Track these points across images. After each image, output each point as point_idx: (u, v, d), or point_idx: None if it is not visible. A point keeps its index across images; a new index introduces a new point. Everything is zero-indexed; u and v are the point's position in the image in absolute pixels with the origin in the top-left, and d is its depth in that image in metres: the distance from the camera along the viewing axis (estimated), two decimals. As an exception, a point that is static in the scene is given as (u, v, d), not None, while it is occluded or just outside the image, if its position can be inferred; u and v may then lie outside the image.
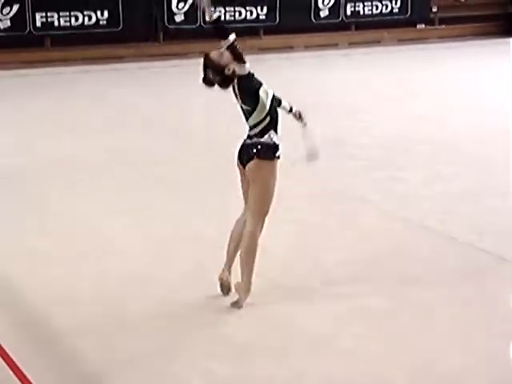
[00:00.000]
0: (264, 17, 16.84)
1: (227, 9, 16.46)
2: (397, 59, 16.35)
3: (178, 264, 6.18)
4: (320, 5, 17.18)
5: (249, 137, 5.45)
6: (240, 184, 5.60)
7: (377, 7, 17.89)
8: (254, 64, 15.80)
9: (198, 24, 16.04)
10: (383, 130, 10.56)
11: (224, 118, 10.31)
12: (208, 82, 5.37)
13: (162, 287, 5.78)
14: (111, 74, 14.88)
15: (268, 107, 5.36)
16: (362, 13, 17.78)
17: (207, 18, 5.36)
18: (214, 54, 5.32)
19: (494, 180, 8.41)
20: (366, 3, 17.73)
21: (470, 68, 15.33)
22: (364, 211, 7.59)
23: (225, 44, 5.28)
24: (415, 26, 18.66)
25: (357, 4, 17.60)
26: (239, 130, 5.77)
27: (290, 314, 5.36)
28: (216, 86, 5.40)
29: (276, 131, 5.42)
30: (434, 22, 18.73)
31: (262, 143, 5.39)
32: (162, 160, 9.16)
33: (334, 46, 17.25)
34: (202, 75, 5.36)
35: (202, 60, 5.39)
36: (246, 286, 5.45)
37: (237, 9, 16.62)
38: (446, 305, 5.54)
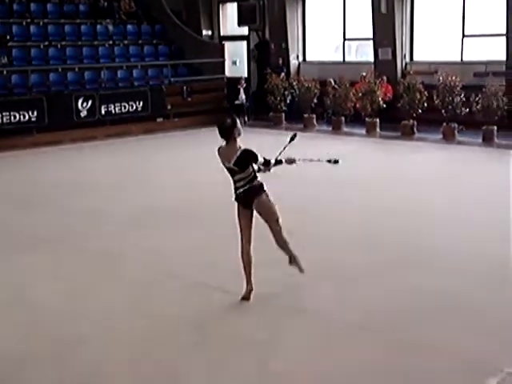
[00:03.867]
0: (35, 119, 16.71)
1: (4, 113, 16.20)
2: (143, 146, 16.82)
3: None
4: (80, 107, 17.34)
5: (238, 188, 6.36)
6: (238, 222, 6.47)
7: (125, 107, 18.25)
8: (29, 157, 15.63)
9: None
10: (135, 200, 10.88)
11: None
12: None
13: None
14: None
15: (252, 169, 6.35)
16: (113, 112, 18.06)
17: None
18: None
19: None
20: (116, 104, 18.04)
21: (197, 149, 16.05)
22: (126, 265, 7.88)
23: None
24: (156, 120, 19.07)
25: (109, 105, 17.90)
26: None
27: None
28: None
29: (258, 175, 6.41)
30: (170, 116, 19.28)
31: (255, 186, 6.34)
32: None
33: (94, 138, 17.40)
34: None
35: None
36: (292, 255, 6.57)
37: (12, 113, 16.36)
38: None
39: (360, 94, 17.43)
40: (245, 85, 20.21)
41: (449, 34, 18.33)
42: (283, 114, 19.27)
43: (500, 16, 16.85)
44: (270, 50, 21.40)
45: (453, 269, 7.40)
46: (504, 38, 16.86)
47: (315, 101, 18.62)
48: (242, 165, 6.31)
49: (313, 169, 12.96)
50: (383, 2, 18.45)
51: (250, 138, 17.23)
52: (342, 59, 20.43)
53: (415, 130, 16.78)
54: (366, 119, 17.53)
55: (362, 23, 19.67)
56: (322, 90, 18.57)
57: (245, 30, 22.54)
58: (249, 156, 6.33)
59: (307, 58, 21.33)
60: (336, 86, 18.21)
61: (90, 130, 17.59)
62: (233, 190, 6.50)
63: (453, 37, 18.15)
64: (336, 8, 20.36)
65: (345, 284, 7.02)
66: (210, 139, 16.96)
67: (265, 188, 6.42)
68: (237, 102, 19.90)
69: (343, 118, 18.06)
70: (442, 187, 11.32)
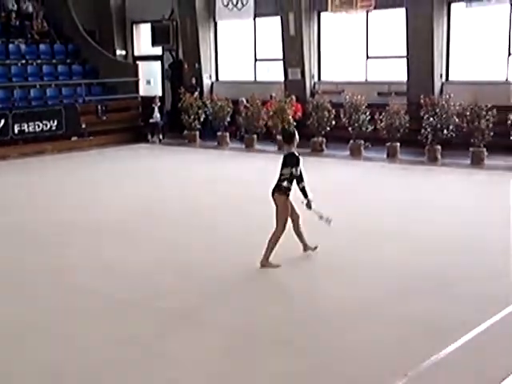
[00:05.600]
0: None
1: None
2: (58, 164, 16.48)
3: None
4: (-8, 126, 16.88)
5: (279, 180, 7.72)
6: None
7: (39, 126, 17.81)
8: None
9: None
10: (50, 218, 10.62)
11: None
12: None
13: None
14: None
15: (290, 171, 7.66)
16: (27, 130, 17.60)
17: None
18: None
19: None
20: (29, 123, 17.59)
21: (112, 167, 15.92)
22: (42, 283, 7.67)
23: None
24: (70, 139, 18.67)
25: (22, 124, 17.43)
26: None
27: None
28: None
29: (291, 182, 7.70)
30: (85, 134, 18.86)
31: (282, 185, 7.68)
32: None
33: (7, 157, 16.91)
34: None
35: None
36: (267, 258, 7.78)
37: None
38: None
39: (271, 113, 17.65)
40: (159, 103, 20.14)
41: (354, 56, 18.85)
42: (197, 132, 19.26)
43: (401, 39, 17.45)
44: (183, 69, 21.46)
45: (362, 279, 7.57)
46: (405, 59, 17.47)
47: (228, 119, 18.75)
48: (285, 162, 7.71)
49: (225, 187, 13.05)
50: (292, 24, 18.80)
51: (165, 156, 17.48)
52: (253, 79, 20.67)
53: (324, 146, 17.12)
54: (277, 137, 17.74)
55: (272, 44, 19.98)
56: (234, 109, 18.75)
57: (159, 50, 22.51)
58: (289, 157, 7.73)
59: (220, 78, 21.46)
60: (248, 105, 18.38)
61: (3, 148, 17.07)
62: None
63: (357, 58, 18.69)
64: (247, 29, 20.62)
65: (255, 294, 7.08)
66: (125, 157, 17.25)
67: (288, 193, 7.74)
68: (151, 121, 19.79)
69: (255, 136, 18.24)
70: (351, 200, 11.55)
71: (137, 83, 20.67)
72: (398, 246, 8.80)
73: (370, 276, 7.67)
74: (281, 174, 7.75)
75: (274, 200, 7.75)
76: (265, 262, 7.74)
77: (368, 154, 16.29)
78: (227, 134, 18.79)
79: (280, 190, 7.70)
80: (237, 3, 20.12)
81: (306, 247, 8.15)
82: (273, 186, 7.80)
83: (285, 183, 7.67)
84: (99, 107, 19.26)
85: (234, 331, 6.20)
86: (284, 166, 7.73)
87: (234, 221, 10.33)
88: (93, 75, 20.84)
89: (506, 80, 16.55)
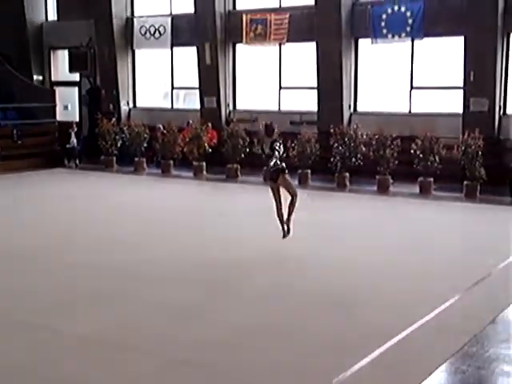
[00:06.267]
0: None
1: None
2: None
3: None
4: None
5: (269, 167, 9.57)
6: (271, 192, 9.75)
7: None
8: None
9: None
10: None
11: None
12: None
13: None
14: None
15: (278, 156, 9.54)
16: None
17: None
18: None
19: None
20: None
21: (26, 191, 15.75)
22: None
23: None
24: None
25: None
26: None
27: None
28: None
29: (282, 160, 9.59)
30: (-1, 159, 18.66)
31: (281, 167, 9.55)
32: None
33: None
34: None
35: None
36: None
37: None
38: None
39: (187, 139, 17.93)
40: (76, 129, 20.08)
41: (267, 86, 19.44)
42: (114, 158, 19.31)
43: (312, 71, 18.15)
44: (101, 95, 21.50)
45: (270, 300, 7.91)
46: (316, 91, 18.16)
47: (145, 145, 18.90)
48: (272, 150, 9.49)
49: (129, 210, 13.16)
50: (207, 53, 19.25)
51: (81, 181, 17.38)
52: (170, 106, 20.94)
53: (239, 173, 17.49)
54: (194, 163, 18.03)
55: (189, 73, 20.35)
56: (151, 135, 18.91)
57: (76, 76, 22.51)
58: (274, 143, 9.52)
59: (137, 105, 21.62)
60: (165, 132, 18.61)
61: None
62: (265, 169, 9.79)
63: (271, 88, 19.28)
64: (165, 58, 20.93)
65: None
66: (40, 182, 17.03)
67: (286, 171, 9.56)
68: (68, 146, 19.71)
69: (172, 162, 18.45)
70: (261, 224, 11.88)
71: (54, 108, 20.57)
72: (306, 269, 9.15)
73: (278, 296, 7.96)
74: (271, 162, 9.46)
75: (278, 183, 9.53)
76: (288, 223, 9.75)
77: (280, 181, 16.71)
78: (144, 160, 18.94)
79: (279, 173, 9.46)
80: (154, 33, 20.50)
81: (287, 230, 9.78)
82: (265, 173, 9.73)
83: (281, 166, 9.50)
84: (15, 131, 19.04)
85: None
86: (273, 152, 9.44)
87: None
88: (8, 99, 20.60)
89: (409, 112, 17.49)
